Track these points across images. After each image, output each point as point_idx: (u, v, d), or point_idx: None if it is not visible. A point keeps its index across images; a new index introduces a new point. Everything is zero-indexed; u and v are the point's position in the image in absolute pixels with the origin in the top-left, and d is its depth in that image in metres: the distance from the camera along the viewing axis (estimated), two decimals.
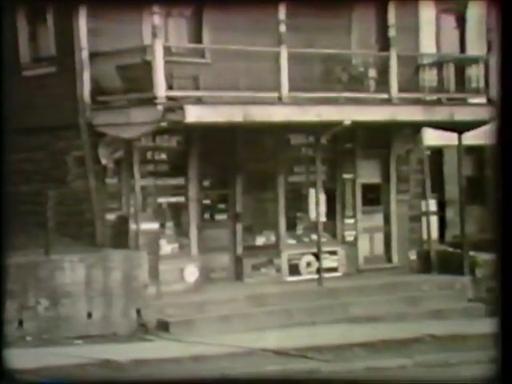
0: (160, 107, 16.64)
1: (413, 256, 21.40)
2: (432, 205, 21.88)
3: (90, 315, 16.14)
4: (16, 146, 18.48)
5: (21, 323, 15.60)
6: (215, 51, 18.26)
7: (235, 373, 13.51)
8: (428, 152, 21.73)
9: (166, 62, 16.88)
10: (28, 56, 18.81)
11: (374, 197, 21.19)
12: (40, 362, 13.62)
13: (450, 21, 22.58)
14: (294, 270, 19.80)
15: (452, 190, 21.72)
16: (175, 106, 16.73)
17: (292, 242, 20.03)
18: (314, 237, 19.48)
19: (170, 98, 16.91)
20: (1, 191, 11.27)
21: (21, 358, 13.66)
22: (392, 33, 19.76)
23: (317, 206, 19.19)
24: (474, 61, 20.93)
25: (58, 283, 15.92)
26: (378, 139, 20.99)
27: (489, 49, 20.28)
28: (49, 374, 12.98)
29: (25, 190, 17.24)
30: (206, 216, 19.09)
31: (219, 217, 19.25)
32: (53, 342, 15.36)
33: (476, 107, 20.37)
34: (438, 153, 22.11)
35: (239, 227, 19.26)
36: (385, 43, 20.21)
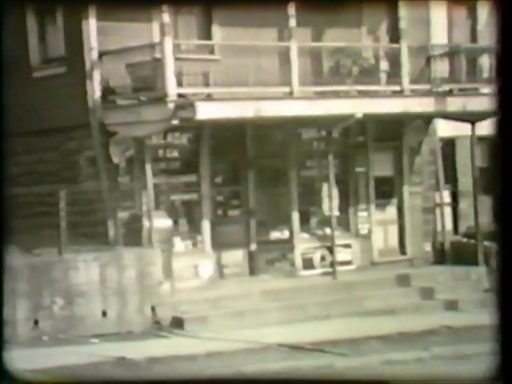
0: (171, 105, 16.66)
1: (427, 248, 21.35)
2: (446, 196, 21.82)
3: (104, 314, 16.21)
4: (28, 148, 18.65)
5: (36, 323, 15.67)
6: (225, 47, 18.24)
7: (251, 368, 13.51)
8: (440, 143, 21.65)
9: (176, 59, 16.89)
10: (38, 57, 18.86)
11: (387, 189, 21.13)
12: (56, 361, 13.69)
13: (461, 11, 22.47)
14: (308, 264, 19.79)
15: (465, 181, 21.64)
16: (186, 103, 16.75)
17: (306, 236, 20.01)
18: (328, 231, 19.47)
19: (180, 96, 16.93)
20: (5, 192, 11.31)
21: (37, 358, 13.79)
22: (403, 25, 19.71)
23: (330, 199, 19.17)
24: (486, 51, 20.82)
25: (73, 282, 16.00)
26: (390, 131, 20.94)
27: None
28: (65, 373, 13.03)
29: (37, 191, 17.29)
30: (219, 212, 19.11)
31: (232, 213, 19.26)
32: (69, 341, 15.42)
33: (488, 97, 20.24)
34: (450, 144, 22.03)
35: (252, 223, 19.27)
36: (396, 35, 20.15)
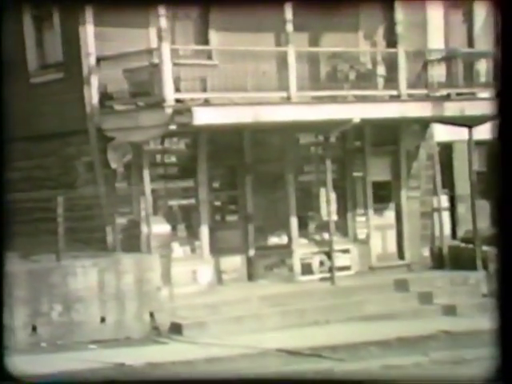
0: (168, 110, 16.66)
1: (425, 252, 21.35)
2: (443, 201, 21.83)
3: (103, 320, 16.17)
4: (25, 153, 18.63)
5: (34, 329, 15.64)
6: (222, 52, 18.24)
7: (250, 374, 13.50)
8: (438, 148, 21.67)
9: (174, 65, 16.90)
10: (35, 63, 18.85)
11: (384, 194, 21.13)
12: (55, 367, 13.66)
13: (458, 15, 22.51)
14: (307, 269, 19.78)
15: (463, 186, 21.64)
16: (183, 108, 16.74)
17: (304, 241, 20.00)
18: (326, 236, 19.46)
19: (177, 101, 16.93)
20: (4, 198, 11.31)
21: (35, 364, 13.76)
22: (400, 29, 19.74)
23: (328, 204, 19.16)
24: (483, 55, 20.86)
25: (71, 288, 15.96)
26: (387, 136, 20.95)
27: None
28: (63, 379, 13.02)
29: (35, 197, 17.29)
30: (217, 218, 19.10)
31: (230, 218, 19.25)
32: (67, 348, 15.39)
33: (485, 101, 20.27)
34: (448, 148, 22.05)
35: (251, 228, 19.26)
36: (393, 40, 20.18)
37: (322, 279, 19.43)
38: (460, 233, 21.99)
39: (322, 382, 12.10)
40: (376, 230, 20.90)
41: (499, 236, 8.06)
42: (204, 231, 18.72)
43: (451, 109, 19.89)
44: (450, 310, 18.82)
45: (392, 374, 13.21)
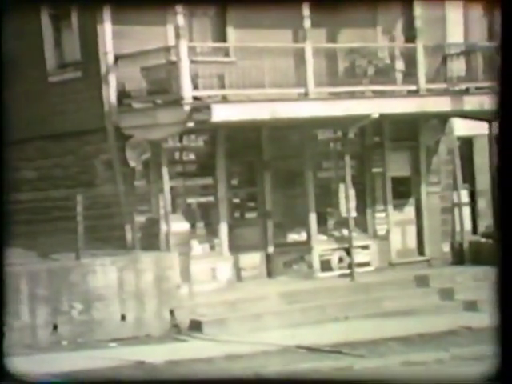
0: (186, 107, 16.67)
1: (446, 248, 21.25)
2: (464, 196, 21.73)
3: (123, 317, 16.23)
4: (44, 152, 18.72)
5: (55, 328, 15.71)
6: (240, 49, 18.23)
7: (269, 371, 13.49)
8: (458, 142, 21.57)
9: (191, 62, 16.92)
10: (54, 62, 18.89)
11: (404, 190, 21.04)
12: (75, 365, 13.71)
13: (477, 9, 22.36)
14: (326, 265, 19.74)
15: (483, 180, 21.51)
16: (201, 105, 16.76)
17: (323, 237, 19.96)
18: (345, 232, 19.41)
19: (195, 98, 16.95)
20: (5, 196, 11.39)
21: (56, 362, 13.84)
22: (418, 24, 19.65)
23: (347, 200, 19.12)
24: None
25: (91, 287, 16.02)
26: (407, 131, 20.87)
27: None
28: (83, 378, 13.07)
29: (54, 196, 17.35)
30: (236, 215, 19.09)
31: (249, 215, 19.24)
32: (88, 346, 15.45)
33: None
34: (468, 143, 21.94)
35: (270, 225, 19.24)
36: (411, 34, 20.09)
37: (342, 275, 19.39)
38: (481, 228, 21.87)
39: (332, 382, 12.06)
40: (396, 225, 20.82)
41: (500, 233, 8.02)
42: (223, 228, 18.71)
43: (471, 103, 19.77)
44: (470, 306, 18.71)
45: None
